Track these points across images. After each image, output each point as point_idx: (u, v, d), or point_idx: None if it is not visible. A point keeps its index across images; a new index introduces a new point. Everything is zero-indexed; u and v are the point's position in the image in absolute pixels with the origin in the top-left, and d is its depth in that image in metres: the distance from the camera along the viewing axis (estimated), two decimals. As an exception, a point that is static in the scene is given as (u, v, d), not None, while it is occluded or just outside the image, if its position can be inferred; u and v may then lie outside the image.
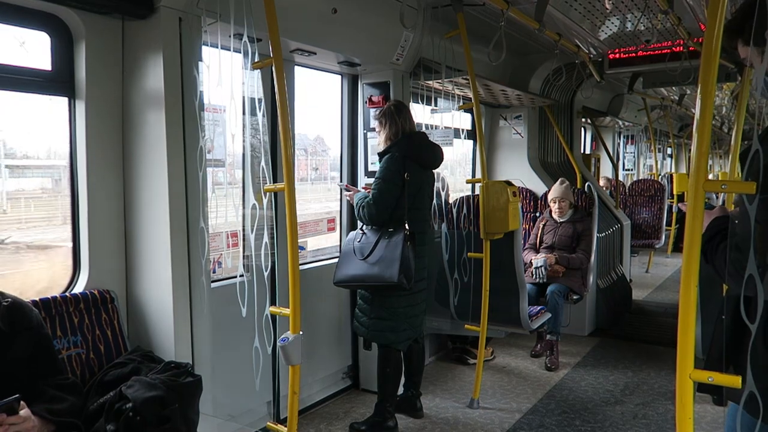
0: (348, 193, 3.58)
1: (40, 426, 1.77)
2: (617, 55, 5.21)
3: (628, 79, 6.16)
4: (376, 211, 3.22)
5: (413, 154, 3.29)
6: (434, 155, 3.43)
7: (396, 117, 3.33)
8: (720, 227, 1.53)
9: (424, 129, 4.01)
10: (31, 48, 2.40)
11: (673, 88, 7.48)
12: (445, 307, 4.20)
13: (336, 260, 3.54)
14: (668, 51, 4.86)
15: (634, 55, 5.12)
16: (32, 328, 1.94)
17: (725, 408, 1.71)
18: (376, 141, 3.56)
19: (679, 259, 9.01)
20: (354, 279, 3.27)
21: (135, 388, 1.97)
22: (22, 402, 1.70)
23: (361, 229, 3.38)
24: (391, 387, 3.42)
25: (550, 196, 5.09)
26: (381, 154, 3.35)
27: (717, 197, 7.01)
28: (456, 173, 4.76)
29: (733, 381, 1.35)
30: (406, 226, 3.24)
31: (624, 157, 11.26)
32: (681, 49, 4.70)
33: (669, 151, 12.49)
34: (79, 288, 2.47)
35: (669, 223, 8.55)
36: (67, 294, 2.35)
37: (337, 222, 4.12)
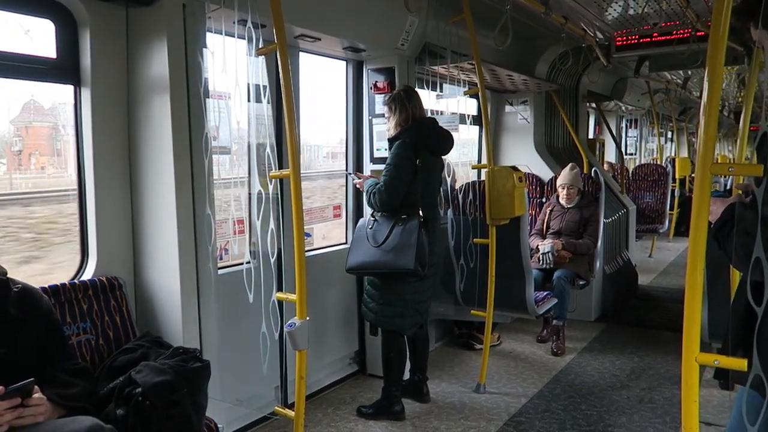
0: (357, 180, 3.57)
1: (51, 410, 1.80)
2: (624, 39, 5.16)
3: (634, 62, 6.11)
4: (387, 197, 3.21)
5: (424, 140, 3.28)
6: (444, 142, 3.41)
7: (406, 102, 3.30)
8: (733, 213, 1.52)
9: (429, 115, 3.99)
10: (36, 36, 2.40)
11: (679, 72, 7.42)
12: (450, 293, 4.20)
13: (342, 247, 3.55)
14: (677, 36, 4.80)
15: (641, 38, 5.07)
16: (43, 314, 1.96)
17: (731, 392, 1.71)
18: (382, 127, 3.54)
19: (681, 243, 9.07)
20: (366, 266, 3.26)
21: (144, 373, 1.99)
22: (35, 386, 1.72)
23: (372, 215, 3.37)
24: (396, 371, 3.44)
25: (558, 182, 5.06)
26: (391, 140, 3.34)
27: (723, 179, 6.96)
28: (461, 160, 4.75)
29: (739, 364, 1.36)
30: (420, 213, 3.23)
31: (626, 142, 11.20)
32: (689, 32, 4.65)
33: (670, 134, 12.42)
34: (87, 275, 2.48)
35: (671, 207, 8.53)
36: (75, 281, 2.37)
37: (343, 209, 4.12)
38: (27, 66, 2.32)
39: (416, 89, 3.95)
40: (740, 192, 1.68)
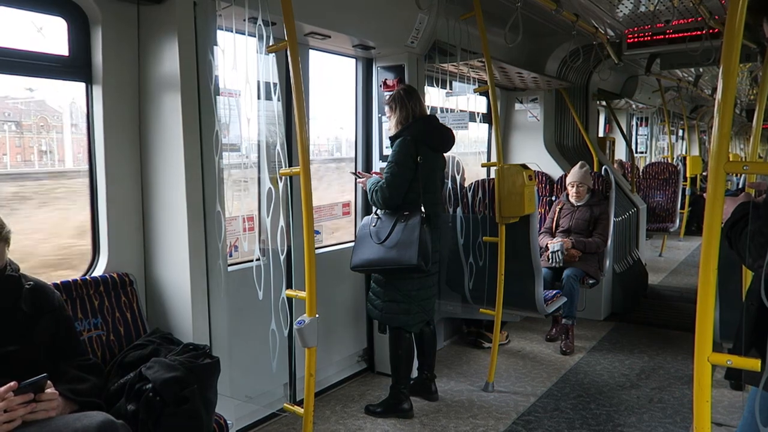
0: (360, 179, 3.58)
1: (63, 405, 1.81)
2: (636, 36, 5.12)
3: (645, 60, 6.06)
4: (389, 194, 3.23)
5: (425, 137, 3.29)
6: (445, 138, 3.42)
7: (406, 101, 3.32)
8: (744, 212, 1.51)
9: (438, 113, 3.98)
10: (49, 33, 2.41)
11: (691, 69, 7.37)
12: (456, 292, 4.20)
13: (351, 244, 3.55)
14: (690, 33, 4.76)
15: (653, 36, 5.03)
16: (54, 310, 1.98)
17: (743, 393, 1.70)
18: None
19: (691, 242, 9.01)
20: (371, 263, 3.28)
21: (154, 369, 2.00)
22: (48, 381, 1.73)
23: (376, 213, 3.39)
24: (404, 369, 3.45)
25: (568, 180, 5.03)
26: (392, 138, 3.35)
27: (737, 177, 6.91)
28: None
29: (753, 364, 1.35)
30: (422, 209, 3.24)
31: (637, 140, 11.15)
32: (702, 29, 4.61)
33: (681, 133, 12.34)
34: (98, 271, 2.50)
35: (682, 206, 8.48)
36: (87, 277, 2.39)
37: (352, 208, 4.13)
38: (40, 64, 2.34)
39: (426, 87, 3.96)
40: (750, 191, 1.66)
